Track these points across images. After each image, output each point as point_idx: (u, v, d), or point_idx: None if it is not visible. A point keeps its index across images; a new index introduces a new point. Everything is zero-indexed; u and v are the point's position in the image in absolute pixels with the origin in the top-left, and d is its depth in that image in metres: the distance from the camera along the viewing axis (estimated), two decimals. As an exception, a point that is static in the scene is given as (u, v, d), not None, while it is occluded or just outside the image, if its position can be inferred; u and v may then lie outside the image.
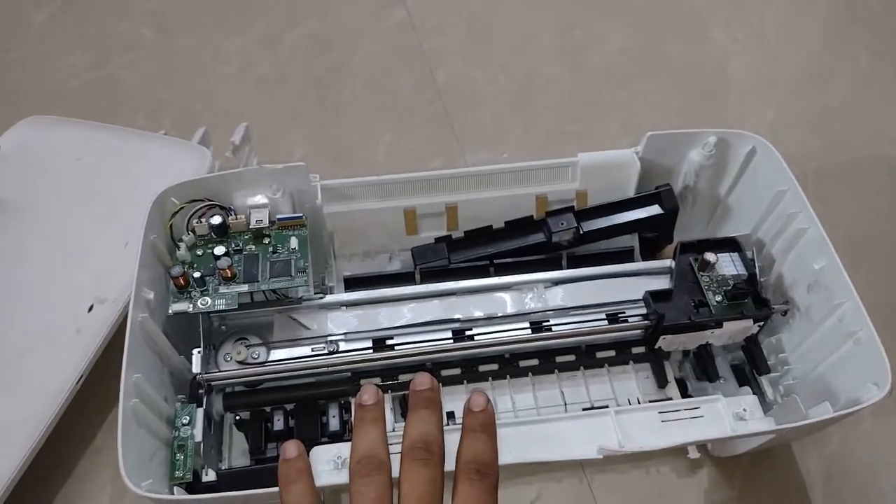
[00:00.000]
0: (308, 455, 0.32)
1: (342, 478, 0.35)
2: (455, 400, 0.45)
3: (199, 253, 0.44)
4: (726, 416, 0.38)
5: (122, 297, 0.46)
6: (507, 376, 0.46)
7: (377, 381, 0.45)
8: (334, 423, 0.43)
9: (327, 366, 0.43)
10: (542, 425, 0.37)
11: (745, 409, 0.39)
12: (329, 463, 0.35)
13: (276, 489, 0.34)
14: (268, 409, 0.44)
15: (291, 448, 0.31)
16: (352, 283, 0.47)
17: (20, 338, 0.46)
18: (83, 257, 0.49)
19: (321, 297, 0.45)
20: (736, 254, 0.47)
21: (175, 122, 0.64)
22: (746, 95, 0.69)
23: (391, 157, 0.63)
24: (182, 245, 0.43)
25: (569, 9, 0.76)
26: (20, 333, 0.46)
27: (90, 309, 0.46)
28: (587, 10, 0.75)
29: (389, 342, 0.44)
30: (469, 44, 0.72)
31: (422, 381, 0.32)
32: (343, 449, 0.36)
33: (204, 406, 0.41)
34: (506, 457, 0.36)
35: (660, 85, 0.69)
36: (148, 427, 0.37)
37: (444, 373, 0.45)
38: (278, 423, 0.43)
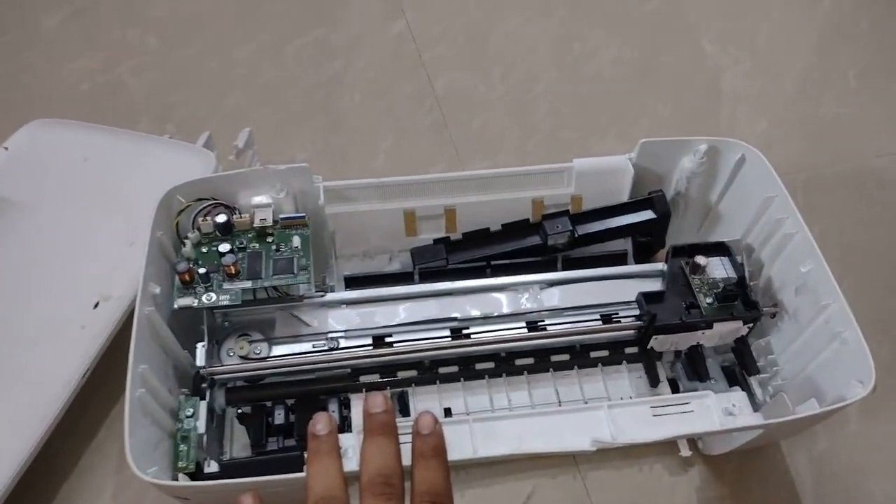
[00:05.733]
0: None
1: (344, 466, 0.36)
2: (453, 398, 0.46)
3: (204, 250, 0.45)
4: (716, 410, 0.39)
5: (126, 294, 0.47)
6: (504, 374, 0.47)
7: (376, 377, 0.46)
8: (335, 418, 0.44)
9: (327, 362, 0.45)
10: (537, 419, 0.39)
11: (734, 405, 0.41)
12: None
13: (276, 477, 0.35)
14: (269, 403, 0.45)
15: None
16: (352, 282, 0.49)
17: (28, 333, 0.47)
18: (89, 255, 0.50)
19: (322, 295, 0.47)
20: (726, 258, 0.48)
21: (180, 126, 0.65)
22: (739, 107, 0.71)
23: (391, 162, 0.64)
24: (188, 242, 0.45)
25: (566, 21, 0.78)
26: (28, 329, 0.47)
27: (96, 306, 0.47)
28: (583, 22, 0.77)
29: (388, 339, 0.46)
30: (467, 54, 0.74)
31: (375, 402, 0.30)
32: (345, 440, 0.38)
33: (207, 399, 0.42)
34: (501, 448, 0.37)
35: (654, 96, 0.71)
36: (153, 417, 0.38)
37: (442, 370, 0.46)
38: (279, 418, 0.44)
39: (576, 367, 0.47)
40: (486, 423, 0.38)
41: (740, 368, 0.48)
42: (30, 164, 0.56)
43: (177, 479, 0.38)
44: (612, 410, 0.39)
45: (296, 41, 0.74)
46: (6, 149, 0.57)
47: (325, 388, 0.45)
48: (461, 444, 0.37)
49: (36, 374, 0.45)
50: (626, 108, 0.70)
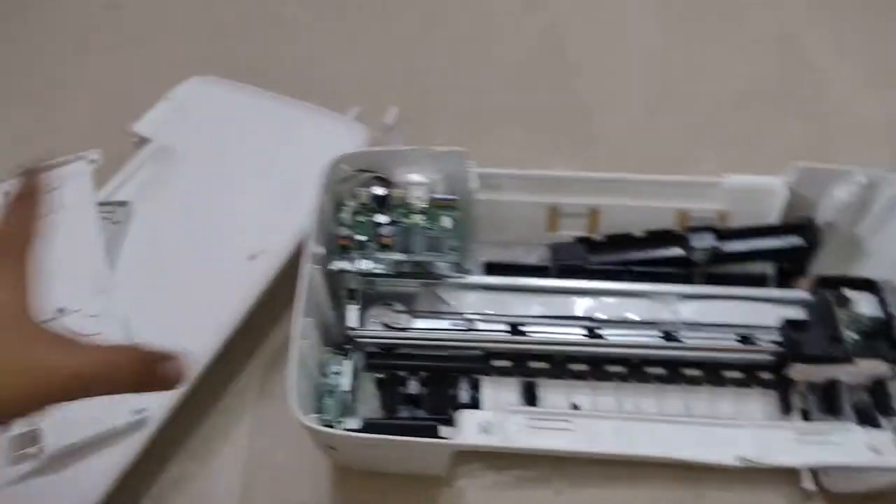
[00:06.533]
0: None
1: (487, 440, 0.37)
2: (580, 395, 0.46)
3: (361, 220, 0.47)
4: (861, 445, 0.39)
5: (281, 249, 0.49)
6: (633, 380, 0.47)
7: (507, 363, 0.47)
8: (464, 397, 0.45)
9: (462, 341, 0.46)
10: (678, 427, 0.39)
11: (877, 443, 0.40)
12: (476, 426, 0.37)
13: (417, 439, 0.37)
14: (402, 373, 0.46)
15: None
16: (492, 269, 0.50)
17: (183, 280, 0.49)
18: (244, 210, 0.52)
19: (463, 277, 0.48)
20: (874, 295, 0.47)
21: (323, 99, 0.68)
22: (874, 138, 0.69)
23: (521, 156, 0.65)
24: (346, 210, 0.47)
25: (706, 38, 0.77)
26: (183, 276, 0.49)
27: (252, 258, 0.49)
28: (721, 39, 0.76)
29: (522, 328, 0.46)
30: (609, 56, 0.74)
31: None
32: (481, 416, 0.39)
33: (353, 360, 0.43)
34: (648, 449, 0.37)
35: (789, 120, 0.70)
36: (306, 368, 0.40)
37: (572, 367, 0.47)
38: (413, 388, 0.45)
39: (707, 384, 0.47)
40: (632, 424, 0.38)
41: (875, 408, 0.47)
42: (190, 118, 0.59)
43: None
44: (755, 430, 0.38)
45: (437, 29, 0.76)
46: (169, 100, 0.61)
47: (457, 366, 0.46)
48: (606, 438, 0.37)
49: (197, 316, 0.46)
50: (760, 131, 0.69)
